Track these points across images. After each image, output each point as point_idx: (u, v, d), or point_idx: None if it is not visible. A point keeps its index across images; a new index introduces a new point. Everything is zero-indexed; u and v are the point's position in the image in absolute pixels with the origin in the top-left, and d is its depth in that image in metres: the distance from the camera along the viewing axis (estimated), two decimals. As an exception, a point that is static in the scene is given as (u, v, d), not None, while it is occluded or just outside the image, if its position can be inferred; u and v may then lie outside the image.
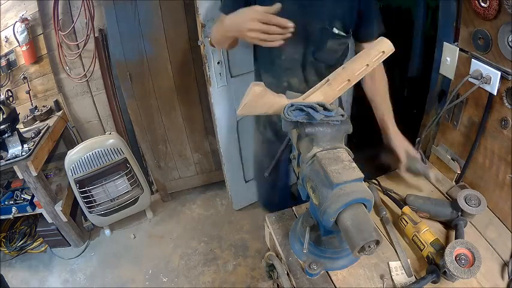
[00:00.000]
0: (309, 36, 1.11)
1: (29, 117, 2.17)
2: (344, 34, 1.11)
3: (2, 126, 1.81)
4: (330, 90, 0.87)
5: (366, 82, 1.22)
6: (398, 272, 0.92)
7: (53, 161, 2.42)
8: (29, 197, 2.04)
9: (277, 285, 1.07)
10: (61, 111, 2.27)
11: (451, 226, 1.01)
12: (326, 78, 0.88)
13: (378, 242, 0.74)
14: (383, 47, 0.85)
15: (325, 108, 0.82)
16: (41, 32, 2.10)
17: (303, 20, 1.06)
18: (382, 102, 1.26)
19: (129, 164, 2.12)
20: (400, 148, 1.17)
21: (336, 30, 1.10)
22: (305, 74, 1.20)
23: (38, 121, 2.18)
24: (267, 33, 0.92)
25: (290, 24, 0.91)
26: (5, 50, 2.18)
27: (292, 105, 0.82)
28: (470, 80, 1.00)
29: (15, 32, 2.04)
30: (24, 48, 2.08)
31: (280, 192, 1.57)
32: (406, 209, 1.02)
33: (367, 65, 0.85)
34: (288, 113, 0.81)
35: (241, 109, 0.87)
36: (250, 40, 0.95)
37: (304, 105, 0.81)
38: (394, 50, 0.86)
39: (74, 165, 1.99)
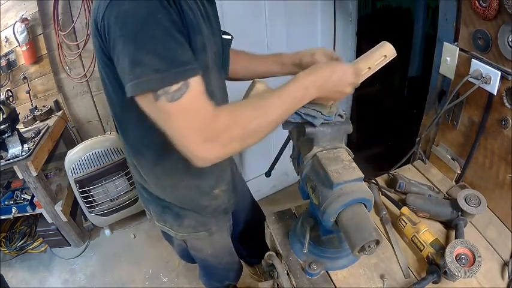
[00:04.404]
0: (224, 58, 0.91)
1: (29, 117, 2.17)
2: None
3: (2, 126, 1.81)
4: None
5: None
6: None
7: (53, 161, 2.42)
8: (29, 197, 2.04)
9: (277, 285, 1.07)
10: (61, 111, 2.27)
11: (451, 226, 1.01)
12: None
13: (377, 242, 0.74)
14: (385, 51, 0.85)
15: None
16: (41, 32, 2.10)
17: (215, 38, 0.84)
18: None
19: (129, 164, 2.12)
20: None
21: (229, 36, 0.93)
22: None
23: (38, 121, 2.17)
24: None
25: None
26: (5, 50, 2.18)
27: None
28: (470, 80, 1.00)
29: (15, 32, 2.04)
30: (24, 48, 2.08)
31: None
32: (404, 209, 1.02)
33: (369, 68, 0.85)
34: None
35: None
36: (341, 98, 0.81)
37: (303, 113, 0.81)
38: (396, 54, 0.85)
39: (74, 165, 1.99)
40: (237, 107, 0.71)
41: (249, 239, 1.47)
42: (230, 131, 0.67)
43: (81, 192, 2.05)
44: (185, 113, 0.63)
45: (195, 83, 0.64)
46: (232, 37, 0.93)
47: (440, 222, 1.05)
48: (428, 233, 0.94)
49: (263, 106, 0.71)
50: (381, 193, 1.15)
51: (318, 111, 0.80)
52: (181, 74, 0.62)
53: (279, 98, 0.72)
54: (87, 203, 2.09)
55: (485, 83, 0.96)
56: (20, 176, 1.87)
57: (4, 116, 1.82)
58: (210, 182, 0.97)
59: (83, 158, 2.00)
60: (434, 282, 0.87)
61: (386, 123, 2.72)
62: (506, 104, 0.94)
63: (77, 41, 2.11)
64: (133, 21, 0.60)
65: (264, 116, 0.70)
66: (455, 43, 1.08)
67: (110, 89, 0.79)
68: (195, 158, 0.67)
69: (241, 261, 1.50)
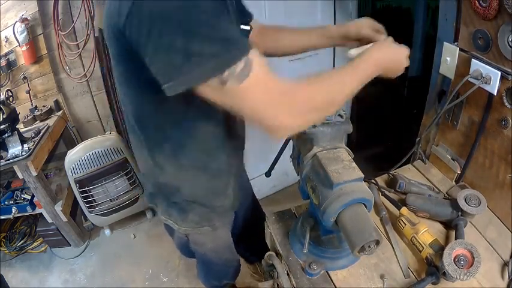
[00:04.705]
0: None
1: (29, 117, 2.17)
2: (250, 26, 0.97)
3: (2, 126, 1.81)
4: None
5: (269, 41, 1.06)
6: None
7: (53, 161, 2.42)
8: (29, 197, 2.04)
9: (277, 285, 1.07)
10: (61, 111, 2.27)
11: (451, 226, 1.01)
12: None
13: (377, 242, 0.74)
14: None
15: None
16: (41, 32, 2.10)
17: None
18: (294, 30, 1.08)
19: (129, 164, 2.11)
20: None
21: (247, 27, 0.94)
22: None
23: (38, 121, 2.18)
24: None
25: None
26: (5, 50, 2.18)
27: None
28: (470, 80, 1.00)
29: (15, 32, 2.04)
30: (24, 48, 2.08)
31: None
32: (403, 210, 1.02)
33: None
34: None
35: None
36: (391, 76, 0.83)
37: None
38: None
39: (74, 165, 1.99)
40: (315, 80, 0.71)
41: (248, 235, 1.47)
42: (308, 102, 0.68)
43: (81, 192, 2.05)
44: (257, 88, 0.62)
45: (256, 56, 0.62)
46: (251, 28, 0.92)
47: (440, 222, 1.05)
48: (427, 233, 0.94)
49: (339, 81, 0.73)
50: (380, 193, 1.15)
51: None
52: (240, 52, 0.60)
53: (351, 73, 0.75)
54: (87, 203, 2.09)
55: (485, 83, 0.96)
56: (20, 176, 1.87)
57: (4, 116, 1.82)
58: (224, 180, 0.99)
59: (83, 158, 2.00)
60: (433, 283, 0.87)
61: (387, 123, 2.72)
62: (506, 104, 0.94)
63: (77, 41, 2.11)
64: (174, 13, 0.56)
65: (340, 90, 0.73)
66: (455, 43, 1.08)
67: (125, 85, 0.79)
68: (275, 130, 0.67)
69: (241, 258, 1.50)
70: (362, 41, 0.93)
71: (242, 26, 0.87)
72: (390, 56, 0.81)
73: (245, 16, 0.94)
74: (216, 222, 1.05)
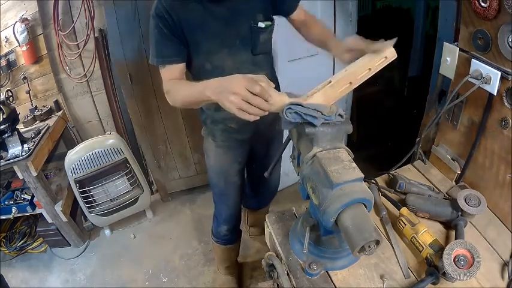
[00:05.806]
0: (241, 41, 1.17)
1: (29, 117, 2.17)
2: (269, 23, 1.19)
3: (2, 126, 1.81)
4: (332, 91, 0.86)
5: (303, 31, 1.28)
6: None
7: (53, 161, 2.42)
8: (29, 197, 2.04)
9: (277, 285, 1.07)
10: (61, 111, 2.27)
11: (451, 226, 1.01)
12: (328, 80, 0.88)
13: (378, 242, 0.74)
14: (386, 53, 0.85)
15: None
16: (41, 32, 2.10)
17: (230, 29, 1.14)
18: (321, 31, 1.24)
19: (129, 164, 2.12)
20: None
21: (262, 24, 1.16)
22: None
23: (38, 121, 2.18)
24: (248, 102, 0.81)
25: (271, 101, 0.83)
26: (5, 50, 2.19)
27: (291, 109, 0.81)
28: (470, 80, 1.00)
29: (15, 32, 2.04)
30: (24, 48, 2.08)
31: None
32: (403, 210, 1.02)
33: (370, 69, 0.85)
34: (287, 114, 0.81)
35: None
36: (228, 105, 0.83)
37: (303, 113, 0.81)
38: (396, 56, 0.85)
39: (74, 165, 1.99)
40: (176, 82, 1.11)
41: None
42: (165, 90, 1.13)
43: (81, 192, 2.05)
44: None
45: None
46: (265, 26, 1.17)
47: (440, 222, 1.05)
48: (427, 234, 0.94)
49: (180, 87, 1.09)
50: (380, 193, 1.15)
51: (318, 111, 0.80)
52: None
53: (189, 87, 1.05)
54: (87, 203, 2.09)
55: (485, 83, 0.96)
56: (20, 176, 1.87)
57: (4, 116, 1.82)
58: (221, 115, 1.30)
59: (83, 158, 2.00)
60: (433, 283, 0.87)
61: (387, 123, 2.72)
62: (506, 104, 0.94)
63: (77, 41, 2.11)
64: None
65: (182, 94, 1.07)
66: (455, 43, 1.08)
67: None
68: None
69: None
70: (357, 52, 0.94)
71: (260, 24, 1.16)
72: (220, 83, 0.88)
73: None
74: (218, 140, 1.38)
